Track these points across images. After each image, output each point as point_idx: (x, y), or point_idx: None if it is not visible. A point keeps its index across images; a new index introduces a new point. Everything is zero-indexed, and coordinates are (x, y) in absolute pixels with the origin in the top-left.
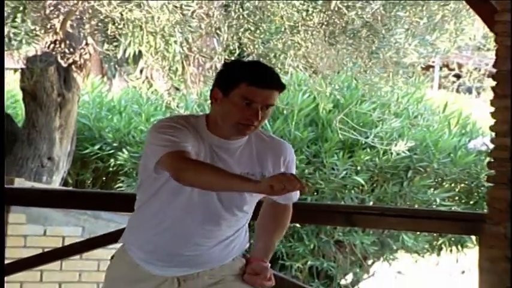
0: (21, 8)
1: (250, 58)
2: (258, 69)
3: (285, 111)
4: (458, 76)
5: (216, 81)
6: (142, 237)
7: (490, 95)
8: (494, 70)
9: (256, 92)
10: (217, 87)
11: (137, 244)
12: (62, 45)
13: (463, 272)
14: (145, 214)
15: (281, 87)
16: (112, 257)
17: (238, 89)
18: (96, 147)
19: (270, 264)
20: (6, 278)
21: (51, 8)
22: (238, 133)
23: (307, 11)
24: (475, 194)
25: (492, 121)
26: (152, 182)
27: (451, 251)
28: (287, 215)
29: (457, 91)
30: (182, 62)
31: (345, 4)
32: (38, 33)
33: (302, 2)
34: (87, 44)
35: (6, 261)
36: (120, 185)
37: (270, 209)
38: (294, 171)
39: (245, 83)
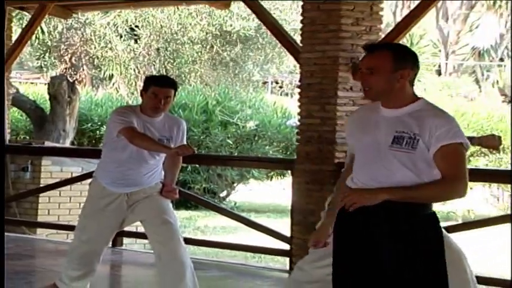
0: (48, 51)
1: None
2: (160, 77)
3: (189, 105)
4: (281, 87)
5: (142, 86)
6: (108, 171)
7: (297, 97)
8: (299, 83)
9: (158, 89)
10: (142, 89)
11: (104, 175)
12: (70, 70)
13: (284, 189)
14: (109, 159)
15: (173, 86)
16: (90, 183)
17: (150, 88)
18: (89, 124)
19: (177, 187)
20: (41, 194)
21: (63, 50)
22: (153, 113)
23: (201, 52)
24: (290, 148)
25: (298, 110)
26: (112, 143)
27: (277, 178)
28: (180, 160)
29: (281, 95)
30: (135, 80)
31: (222, 48)
32: (56, 63)
33: (199, 47)
34: (83, 69)
35: (41, 185)
36: (101, 145)
37: (171, 158)
38: (185, 135)
39: (153, 85)
